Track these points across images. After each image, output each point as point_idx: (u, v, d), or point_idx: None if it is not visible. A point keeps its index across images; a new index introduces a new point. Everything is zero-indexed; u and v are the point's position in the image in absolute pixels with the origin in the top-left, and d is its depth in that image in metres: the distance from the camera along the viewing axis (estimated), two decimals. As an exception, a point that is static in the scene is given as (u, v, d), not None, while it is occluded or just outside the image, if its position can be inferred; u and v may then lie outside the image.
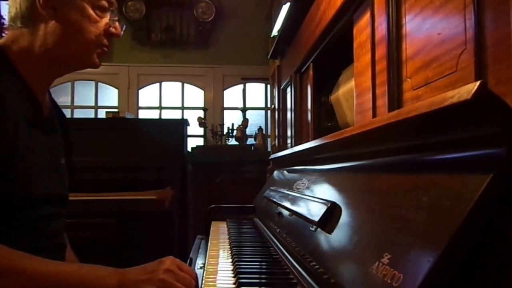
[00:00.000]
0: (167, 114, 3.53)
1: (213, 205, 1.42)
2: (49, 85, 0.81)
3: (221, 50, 3.48)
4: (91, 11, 0.75)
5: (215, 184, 2.71)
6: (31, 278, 0.63)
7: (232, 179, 2.71)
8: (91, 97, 3.50)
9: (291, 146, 1.51)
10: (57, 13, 0.73)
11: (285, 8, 1.72)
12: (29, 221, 0.72)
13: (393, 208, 0.48)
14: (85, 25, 0.74)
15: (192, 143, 3.09)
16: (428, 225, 0.40)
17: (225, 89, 3.55)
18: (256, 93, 3.61)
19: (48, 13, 0.72)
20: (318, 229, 0.66)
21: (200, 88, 3.55)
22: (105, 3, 0.77)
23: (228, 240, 1.03)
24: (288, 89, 1.58)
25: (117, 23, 0.79)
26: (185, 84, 3.56)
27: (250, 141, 3.15)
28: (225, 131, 3.18)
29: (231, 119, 3.37)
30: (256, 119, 3.44)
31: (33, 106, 0.74)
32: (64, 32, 0.73)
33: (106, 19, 0.77)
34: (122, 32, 0.81)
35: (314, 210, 0.69)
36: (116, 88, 3.50)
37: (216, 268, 0.78)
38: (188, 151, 2.90)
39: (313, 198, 0.75)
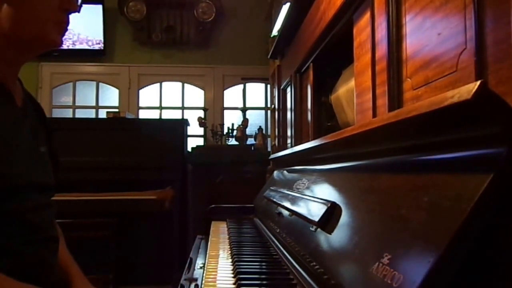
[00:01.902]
0: (167, 114, 3.53)
1: (213, 205, 1.42)
2: (16, 73, 0.79)
3: (221, 50, 3.48)
4: None
5: (215, 184, 2.71)
6: None
7: (232, 179, 2.71)
8: (92, 97, 3.50)
9: (291, 146, 1.51)
10: None
11: (285, 8, 1.72)
12: (15, 213, 0.71)
13: (393, 208, 0.48)
14: (37, 3, 0.72)
15: (192, 143, 3.09)
16: (428, 225, 0.40)
17: (225, 89, 3.55)
18: (256, 93, 3.61)
19: None
20: (318, 229, 0.66)
21: (200, 88, 3.56)
22: None
23: (228, 240, 1.03)
24: (288, 89, 1.58)
25: None
26: (185, 84, 3.56)
27: (250, 141, 3.15)
28: (225, 131, 3.19)
29: (231, 119, 3.37)
30: (256, 119, 3.44)
31: (4, 97, 0.73)
32: (18, 14, 0.71)
33: None
34: (78, 6, 0.78)
35: (314, 210, 0.69)
36: (117, 88, 3.51)
37: (216, 268, 0.78)
38: (188, 151, 2.90)
39: (313, 198, 0.75)
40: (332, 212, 0.63)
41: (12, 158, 0.71)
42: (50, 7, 0.73)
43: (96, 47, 3.34)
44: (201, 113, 3.21)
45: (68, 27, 0.78)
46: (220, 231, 1.19)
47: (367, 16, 0.76)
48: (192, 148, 2.92)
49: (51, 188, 0.82)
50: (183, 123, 2.87)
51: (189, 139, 3.05)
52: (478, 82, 0.34)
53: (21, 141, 0.75)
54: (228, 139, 3.15)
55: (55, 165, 0.86)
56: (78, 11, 0.78)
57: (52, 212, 0.82)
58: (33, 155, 0.77)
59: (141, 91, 3.52)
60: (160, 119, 3.38)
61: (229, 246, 0.96)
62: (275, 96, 2.22)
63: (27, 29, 0.73)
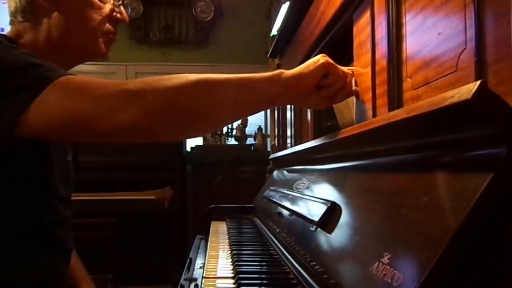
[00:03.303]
0: (166, 114, 3.52)
1: (212, 205, 1.42)
2: None
3: (220, 49, 3.48)
4: None
5: (215, 184, 2.71)
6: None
7: (231, 179, 2.71)
8: (90, 97, 3.50)
9: (291, 146, 1.51)
10: (59, 4, 0.70)
11: (284, 7, 1.72)
12: (40, 226, 0.71)
13: (393, 208, 0.48)
14: (88, 13, 0.71)
15: (192, 142, 3.09)
16: (428, 225, 0.40)
17: (224, 89, 3.55)
18: (256, 92, 3.60)
19: (50, 4, 0.70)
20: (318, 229, 0.66)
21: (200, 88, 3.55)
22: None
23: (227, 240, 1.03)
24: (288, 89, 1.58)
25: (121, 8, 0.76)
26: (185, 84, 3.55)
27: (250, 140, 3.15)
28: (225, 130, 3.18)
29: (231, 118, 3.37)
30: (255, 119, 3.43)
31: None
32: (68, 23, 0.70)
33: (109, 5, 0.74)
34: (128, 16, 0.78)
35: (314, 210, 0.69)
36: (115, 87, 3.50)
37: (216, 268, 0.78)
38: (187, 151, 2.90)
39: (313, 198, 0.75)
40: (332, 212, 0.63)
41: (48, 172, 0.71)
42: (101, 17, 0.73)
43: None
44: (200, 113, 3.21)
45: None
46: (219, 231, 1.19)
47: (367, 15, 0.76)
48: (191, 148, 2.92)
49: (70, 199, 0.82)
50: (183, 122, 2.86)
51: (188, 139, 3.04)
52: (478, 82, 0.34)
53: (53, 153, 0.74)
54: (228, 139, 3.14)
55: (75, 170, 0.86)
56: (125, 22, 0.78)
57: (69, 223, 0.82)
58: (62, 167, 0.77)
59: (140, 91, 3.52)
60: (160, 119, 3.37)
61: (229, 246, 0.96)
62: (274, 96, 2.20)
63: (76, 38, 0.72)
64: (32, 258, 0.70)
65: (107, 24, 0.74)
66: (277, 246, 0.90)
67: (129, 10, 0.82)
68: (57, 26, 0.70)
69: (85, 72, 3.46)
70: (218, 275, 0.74)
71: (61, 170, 0.77)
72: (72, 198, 0.85)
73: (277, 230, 0.96)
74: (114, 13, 0.75)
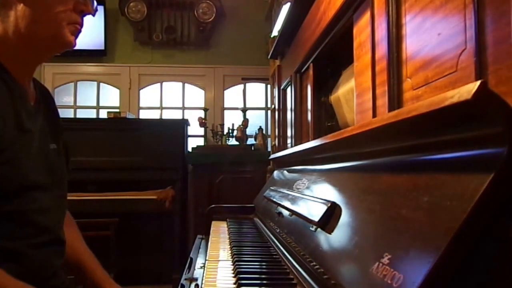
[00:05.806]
0: (168, 114, 3.53)
1: (213, 205, 1.42)
2: (31, 73, 0.80)
3: (221, 50, 3.48)
4: None
5: (215, 184, 2.72)
6: None
7: (232, 179, 2.71)
8: (93, 97, 3.51)
9: (291, 146, 1.51)
10: None
11: (285, 9, 1.72)
12: (21, 214, 0.71)
13: (393, 208, 0.48)
14: (52, 3, 0.74)
15: (193, 143, 3.10)
16: (429, 225, 0.40)
17: (225, 89, 3.55)
18: (256, 93, 3.61)
19: None
20: (318, 229, 0.66)
21: (201, 88, 3.55)
22: None
23: (228, 240, 1.03)
24: (288, 89, 1.58)
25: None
26: (186, 84, 3.56)
27: (250, 141, 3.15)
28: (226, 131, 3.19)
29: (232, 119, 3.37)
30: (256, 119, 3.44)
31: (19, 96, 0.74)
32: (34, 14, 0.73)
33: None
34: (93, 9, 0.80)
35: (314, 210, 0.69)
36: (118, 88, 3.51)
37: (216, 268, 0.78)
38: (188, 151, 2.90)
39: (313, 198, 0.75)
40: (332, 212, 0.63)
41: (20, 158, 0.71)
42: (65, 8, 0.75)
43: (97, 47, 3.34)
44: (201, 113, 3.21)
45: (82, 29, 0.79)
46: (220, 231, 1.19)
47: (367, 16, 0.76)
48: (193, 148, 2.92)
49: (59, 189, 0.82)
50: (184, 123, 2.87)
51: (189, 139, 3.05)
52: (478, 82, 0.34)
53: (32, 140, 0.75)
54: (228, 139, 3.15)
55: (66, 160, 0.87)
56: (93, 14, 0.80)
57: (60, 214, 0.82)
58: (41, 154, 0.77)
59: (141, 91, 3.52)
60: (161, 119, 3.38)
61: (229, 246, 0.96)
62: (275, 96, 2.22)
63: (42, 29, 0.74)
64: (18, 249, 0.70)
65: (73, 14, 0.76)
66: (277, 246, 0.90)
67: (95, 4, 0.83)
68: (23, 18, 0.73)
69: (91, 73, 3.47)
70: (219, 275, 0.74)
71: (42, 158, 0.77)
72: (75, 198, 0.85)
73: (277, 230, 0.96)
74: (79, 4, 0.77)
